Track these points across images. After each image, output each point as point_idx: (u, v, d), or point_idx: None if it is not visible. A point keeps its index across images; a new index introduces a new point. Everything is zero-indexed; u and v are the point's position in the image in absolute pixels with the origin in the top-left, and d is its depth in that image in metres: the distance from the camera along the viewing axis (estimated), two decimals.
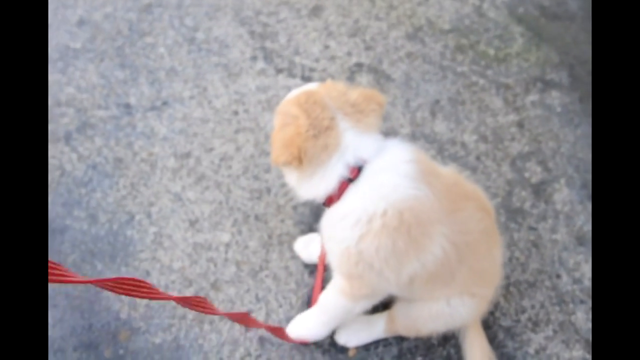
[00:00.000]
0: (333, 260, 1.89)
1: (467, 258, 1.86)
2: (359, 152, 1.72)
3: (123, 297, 2.23)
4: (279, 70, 2.80)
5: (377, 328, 2.19)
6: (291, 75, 2.78)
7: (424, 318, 2.04)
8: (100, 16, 2.92)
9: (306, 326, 2.14)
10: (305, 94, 1.76)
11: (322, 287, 2.07)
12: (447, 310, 2.00)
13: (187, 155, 2.54)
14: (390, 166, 1.75)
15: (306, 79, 2.77)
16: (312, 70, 2.80)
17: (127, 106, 2.65)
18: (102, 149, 2.53)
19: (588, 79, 2.91)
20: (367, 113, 1.75)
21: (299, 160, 1.70)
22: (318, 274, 2.14)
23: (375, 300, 2.01)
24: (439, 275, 1.85)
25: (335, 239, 1.83)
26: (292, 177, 1.81)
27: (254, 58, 2.83)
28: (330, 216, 1.82)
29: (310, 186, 1.78)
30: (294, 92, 1.81)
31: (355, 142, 1.72)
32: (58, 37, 2.84)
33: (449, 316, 2.01)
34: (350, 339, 2.18)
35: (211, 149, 2.56)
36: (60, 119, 2.59)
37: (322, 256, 2.19)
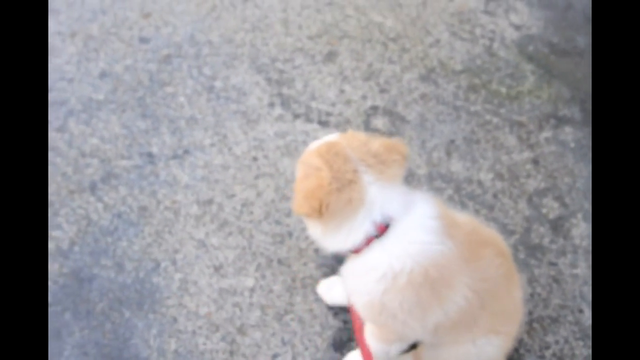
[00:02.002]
0: (358, 309, 1.93)
1: (489, 303, 1.89)
2: (385, 209, 1.72)
3: (151, 343, 2.27)
4: (297, 116, 2.86)
5: None
6: (308, 120, 2.85)
7: None
8: (121, 68, 3.01)
9: None
10: (326, 145, 1.75)
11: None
12: (473, 351, 2.01)
13: (210, 202, 2.59)
14: (417, 224, 1.76)
15: (323, 124, 2.83)
16: (328, 114, 2.87)
17: (150, 155, 2.72)
18: (126, 198, 2.59)
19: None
20: (389, 164, 1.74)
21: (320, 213, 1.69)
22: (353, 314, 2.13)
23: (408, 342, 2.05)
24: (461, 322, 1.88)
25: (358, 290, 1.86)
26: (315, 230, 1.80)
27: (271, 104, 2.90)
28: (353, 268, 1.84)
29: (335, 240, 1.77)
30: (316, 143, 1.82)
31: (381, 197, 1.72)
32: (81, 89, 2.92)
33: (475, 356, 2.03)
34: None
35: (232, 195, 2.61)
36: (85, 170, 2.66)
37: None
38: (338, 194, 1.68)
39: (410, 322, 1.84)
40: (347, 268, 1.89)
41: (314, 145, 1.81)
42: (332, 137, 1.81)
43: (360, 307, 1.89)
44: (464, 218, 1.91)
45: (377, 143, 1.76)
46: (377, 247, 1.74)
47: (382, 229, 1.72)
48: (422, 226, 1.75)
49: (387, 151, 1.75)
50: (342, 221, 1.72)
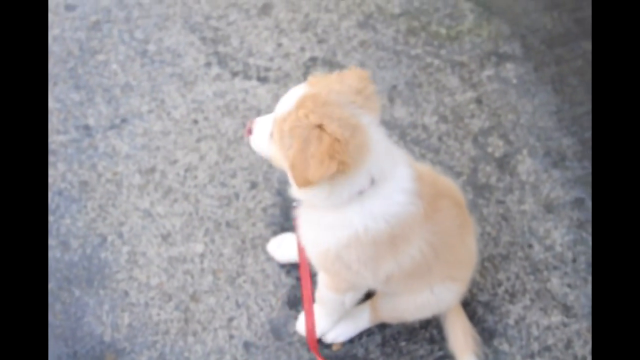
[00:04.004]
0: (311, 257, 1.91)
1: (443, 253, 1.88)
2: (380, 163, 1.64)
3: (104, 319, 2.23)
4: (235, 74, 2.80)
5: (362, 320, 2.22)
6: (247, 77, 2.78)
7: (410, 310, 2.08)
8: (49, 39, 2.89)
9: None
10: (309, 98, 1.60)
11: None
12: (432, 299, 2.03)
13: (152, 170, 2.54)
14: (399, 187, 1.71)
15: (262, 80, 2.77)
16: (267, 70, 2.81)
17: (86, 128, 2.64)
18: (66, 174, 2.52)
19: (541, 47, 2.94)
20: (371, 97, 1.66)
21: (347, 166, 1.57)
22: (302, 269, 2.11)
23: (362, 291, 2.05)
24: (415, 272, 1.88)
25: (316, 241, 1.82)
26: (320, 192, 1.66)
27: (208, 64, 2.82)
28: (317, 220, 1.78)
29: (339, 196, 1.66)
30: (285, 105, 1.65)
31: (380, 144, 1.64)
32: None
33: (434, 304, 2.05)
34: (338, 335, 2.21)
35: (175, 161, 2.56)
36: None
37: (302, 252, 2.08)
38: (353, 141, 1.57)
39: (363, 272, 1.83)
40: (306, 219, 1.84)
41: (285, 107, 1.65)
42: (299, 91, 1.66)
43: (314, 255, 1.87)
44: (422, 168, 1.87)
45: (349, 78, 1.65)
46: (357, 203, 1.67)
47: (368, 185, 1.65)
48: (403, 189, 1.71)
49: (362, 83, 1.65)
50: (354, 172, 1.61)
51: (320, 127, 1.54)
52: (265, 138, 1.75)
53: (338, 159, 1.53)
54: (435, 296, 2.02)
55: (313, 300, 2.10)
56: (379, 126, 1.67)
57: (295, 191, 1.76)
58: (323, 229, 1.76)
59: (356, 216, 1.69)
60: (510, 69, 2.87)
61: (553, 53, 2.93)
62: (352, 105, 1.60)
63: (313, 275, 2.07)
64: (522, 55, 2.93)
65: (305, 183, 1.58)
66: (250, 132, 1.79)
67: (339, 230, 1.72)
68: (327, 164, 1.53)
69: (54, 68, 2.80)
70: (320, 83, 1.64)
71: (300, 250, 2.02)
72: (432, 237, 1.81)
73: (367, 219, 1.69)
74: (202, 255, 2.36)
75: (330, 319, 2.16)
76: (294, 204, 1.87)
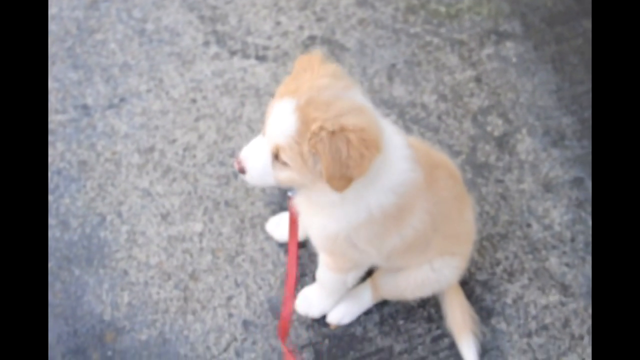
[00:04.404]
0: (317, 242, 1.91)
1: (441, 225, 1.89)
2: (385, 137, 1.64)
3: (104, 298, 2.24)
4: (233, 53, 2.78)
5: (364, 299, 2.23)
6: (245, 56, 2.77)
7: (411, 288, 2.09)
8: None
9: (310, 302, 2.19)
10: (309, 110, 1.54)
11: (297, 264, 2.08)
12: (432, 276, 2.04)
13: (151, 149, 2.53)
14: (399, 154, 1.71)
15: (261, 58, 2.76)
16: (265, 48, 2.79)
17: (85, 107, 2.63)
18: (64, 153, 2.52)
19: (541, 26, 2.93)
20: (342, 74, 1.65)
21: (381, 144, 1.57)
22: (290, 252, 2.10)
23: (364, 269, 2.06)
24: (415, 245, 1.88)
25: (323, 227, 1.80)
26: (353, 187, 1.62)
27: (206, 43, 2.81)
28: (321, 206, 1.76)
29: (370, 176, 1.63)
30: (286, 124, 1.56)
31: (379, 117, 1.65)
32: None
33: (435, 281, 2.06)
34: (343, 317, 2.22)
35: (174, 141, 2.56)
36: None
37: (292, 222, 2.03)
38: (371, 121, 1.57)
39: (369, 250, 1.84)
40: (308, 206, 1.83)
41: (283, 129, 1.56)
42: (287, 106, 1.57)
43: (321, 240, 1.86)
44: (411, 139, 1.87)
45: (317, 70, 1.62)
46: (371, 182, 1.66)
47: None
48: (403, 156, 1.71)
49: (329, 67, 1.65)
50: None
51: (340, 130, 1.51)
52: (267, 170, 1.67)
53: (373, 144, 1.53)
54: (436, 272, 2.03)
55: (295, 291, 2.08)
56: (365, 97, 1.67)
57: (320, 195, 1.70)
58: (333, 215, 1.75)
59: (372, 196, 1.69)
60: (510, 48, 2.86)
61: (553, 31, 2.91)
62: (343, 92, 1.59)
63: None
64: (522, 33, 2.91)
65: (347, 185, 1.57)
66: (242, 170, 1.70)
67: (354, 214, 1.72)
68: (368, 154, 1.53)
69: (52, 47, 2.78)
70: (299, 90, 1.57)
71: (291, 237, 1.99)
72: (432, 207, 1.82)
73: (380, 195, 1.69)
74: (201, 235, 2.37)
75: (332, 298, 2.17)
76: (289, 193, 1.85)
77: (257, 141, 1.68)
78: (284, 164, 1.62)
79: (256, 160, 1.67)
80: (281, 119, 1.57)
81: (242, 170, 1.70)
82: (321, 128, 1.51)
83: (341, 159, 1.52)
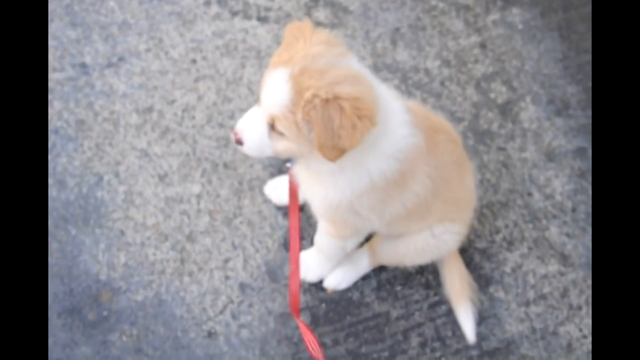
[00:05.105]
0: (316, 209, 1.89)
1: (442, 191, 1.88)
2: (383, 104, 1.62)
3: (100, 258, 2.23)
4: (234, 13, 2.73)
5: (361, 265, 2.22)
6: (247, 17, 2.72)
7: (411, 254, 2.08)
8: None
9: (309, 266, 2.19)
10: (303, 77, 1.52)
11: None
12: (432, 242, 2.03)
13: (149, 109, 2.50)
14: (399, 120, 1.69)
15: (262, 19, 2.71)
16: (267, 9, 2.74)
17: (83, 65, 2.59)
18: (62, 112, 2.48)
19: None
20: (336, 41, 1.63)
21: (375, 115, 1.54)
22: (292, 214, 2.07)
23: (364, 234, 2.05)
24: (416, 211, 1.87)
25: (324, 196, 1.78)
26: (348, 157, 1.60)
27: (207, 3, 2.75)
28: (321, 176, 1.75)
29: (366, 146, 1.61)
30: (280, 92, 1.55)
31: (375, 84, 1.63)
32: None
33: (435, 247, 2.05)
34: (340, 282, 2.21)
35: (173, 101, 2.52)
36: None
37: (292, 194, 2.01)
38: (366, 90, 1.55)
39: (371, 217, 1.82)
40: (308, 176, 1.81)
41: (278, 97, 1.55)
42: (281, 75, 1.55)
43: (323, 209, 1.84)
44: (410, 103, 1.85)
45: (310, 37, 1.60)
46: (371, 150, 1.64)
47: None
48: (403, 121, 1.69)
49: (321, 34, 1.62)
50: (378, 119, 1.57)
51: (334, 97, 1.49)
52: (264, 140, 1.65)
53: (367, 115, 1.51)
54: (436, 239, 2.02)
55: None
56: (362, 64, 1.64)
57: (319, 164, 1.68)
58: (334, 184, 1.73)
59: (372, 163, 1.67)
60: (516, 14, 2.80)
61: None
62: (338, 59, 1.57)
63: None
64: (529, 0, 2.86)
65: (340, 155, 1.55)
66: (239, 142, 1.69)
67: (355, 182, 1.70)
68: (360, 125, 1.51)
69: (50, 4, 2.73)
70: (292, 59, 1.56)
71: (292, 210, 1.96)
72: (432, 172, 1.80)
73: (381, 162, 1.68)
74: (198, 196, 2.35)
75: (330, 263, 2.16)
76: (287, 164, 1.84)
77: (253, 112, 1.67)
78: (280, 134, 1.61)
79: (253, 132, 1.66)
80: (275, 89, 1.56)
81: (240, 142, 1.69)
82: (314, 96, 1.49)
83: (333, 128, 1.50)
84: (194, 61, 2.61)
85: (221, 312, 2.18)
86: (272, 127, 1.62)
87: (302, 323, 1.95)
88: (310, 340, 1.92)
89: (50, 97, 2.51)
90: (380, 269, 2.24)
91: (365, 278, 2.23)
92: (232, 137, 1.70)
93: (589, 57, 2.69)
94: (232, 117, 2.48)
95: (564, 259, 2.31)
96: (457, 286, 2.14)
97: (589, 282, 2.26)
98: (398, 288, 2.23)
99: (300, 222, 1.99)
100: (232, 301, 2.19)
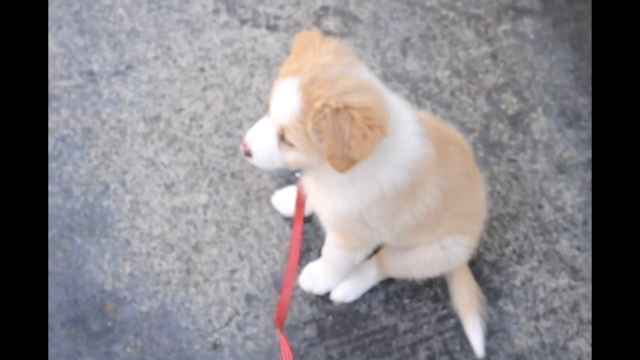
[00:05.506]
0: (325, 221, 1.87)
1: (452, 203, 1.86)
2: (394, 114, 1.60)
3: (105, 268, 2.21)
4: (243, 22, 2.72)
5: (369, 277, 2.20)
6: (256, 25, 2.70)
7: (420, 267, 2.06)
8: None
9: (316, 278, 2.17)
10: (313, 88, 1.51)
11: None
12: (442, 254, 2.01)
13: (157, 118, 2.49)
14: (409, 130, 1.67)
15: (271, 28, 2.69)
16: (277, 18, 2.72)
17: (91, 73, 2.58)
18: (69, 120, 2.47)
19: (560, 2, 2.84)
20: (346, 51, 1.62)
21: (386, 125, 1.53)
22: (296, 225, 2.03)
23: (373, 246, 2.04)
24: (426, 223, 1.85)
25: (334, 208, 1.76)
26: (358, 168, 1.59)
27: (216, 11, 2.74)
28: (330, 187, 1.73)
29: (377, 157, 1.61)
30: (290, 103, 1.54)
31: (386, 93, 1.62)
32: None
33: (444, 260, 2.03)
34: (348, 294, 2.19)
35: (180, 110, 2.50)
36: None
37: (299, 205, 2.01)
38: (377, 100, 1.55)
39: (380, 228, 1.81)
40: (317, 187, 1.80)
41: (287, 108, 1.54)
42: (290, 85, 1.54)
43: (332, 221, 1.83)
44: (421, 113, 1.83)
45: (319, 47, 1.59)
46: (381, 161, 1.63)
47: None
48: (414, 132, 1.68)
49: (331, 44, 1.61)
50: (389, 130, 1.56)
51: (344, 107, 1.48)
52: (274, 152, 1.64)
53: (377, 125, 1.49)
54: (445, 251, 2.00)
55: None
56: (372, 74, 1.63)
57: (328, 176, 1.66)
58: (344, 195, 1.72)
59: (382, 174, 1.66)
60: (527, 24, 2.78)
61: (573, 9, 2.83)
62: (347, 68, 1.55)
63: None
64: (541, 9, 2.83)
65: (350, 165, 1.54)
66: (248, 153, 1.66)
67: (366, 193, 1.69)
68: (371, 135, 1.49)
69: (58, 11, 2.72)
70: (302, 69, 1.55)
71: (297, 221, 1.96)
72: (443, 183, 1.78)
73: (392, 173, 1.66)
74: (205, 206, 2.33)
75: (338, 275, 2.14)
76: (297, 174, 1.82)
77: (262, 123, 1.66)
78: (290, 145, 1.59)
79: (262, 143, 1.64)
80: (285, 99, 1.54)
81: (249, 154, 1.67)
82: (325, 105, 1.48)
83: (343, 138, 1.49)
84: (202, 69, 2.60)
85: (227, 323, 2.16)
86: (281, 138, 1.60)
87: (283, 336, 1.94)
88: (286, 355, 1.92)
89: (57, 104, 2.50)
90: (388, 282, 2.22)
91: (372, 290, 2.21)
92: (241, 148, 1.68)
93: None
94: (240, 126, 2.47)
95: (574, 272, 2.28)
96: (466, 299, 2.12)
97: None
98: (406, 301, 2.21)
99: (303, 234, 1.98)
100: (238, 313, 2.17)
